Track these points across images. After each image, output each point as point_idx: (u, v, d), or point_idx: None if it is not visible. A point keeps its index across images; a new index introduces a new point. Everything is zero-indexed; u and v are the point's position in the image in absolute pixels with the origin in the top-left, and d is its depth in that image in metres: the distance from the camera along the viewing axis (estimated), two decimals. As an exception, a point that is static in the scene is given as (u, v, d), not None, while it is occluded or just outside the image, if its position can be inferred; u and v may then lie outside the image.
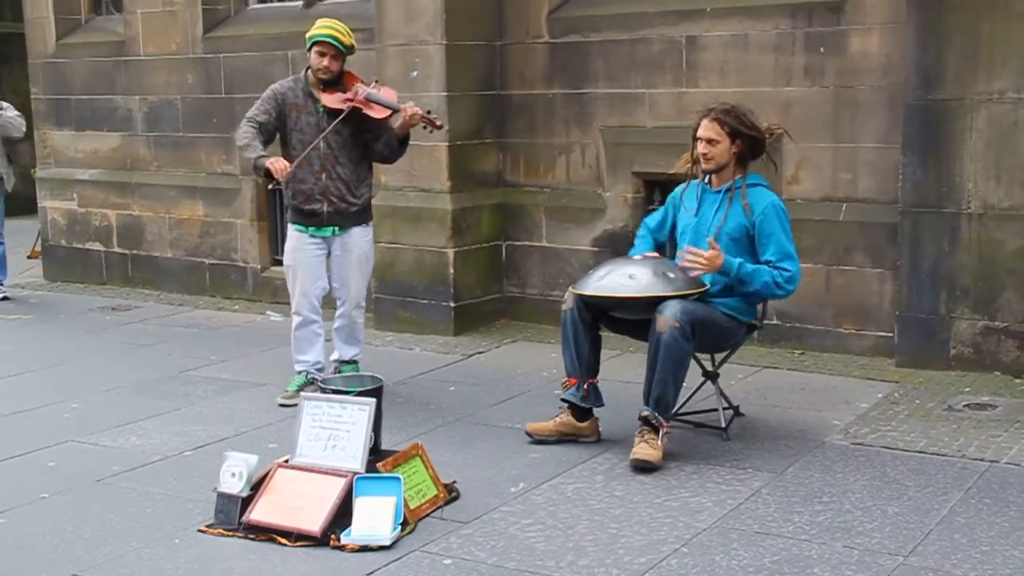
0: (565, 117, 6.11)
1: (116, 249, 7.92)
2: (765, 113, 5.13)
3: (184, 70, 7.43)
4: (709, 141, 4.07)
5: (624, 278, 3.97)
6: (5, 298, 7.47)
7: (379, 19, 6.14)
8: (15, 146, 7.87)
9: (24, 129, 7.41)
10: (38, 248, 8.72)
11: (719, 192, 4.17)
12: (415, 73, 5.99)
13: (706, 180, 4.24)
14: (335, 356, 4.93)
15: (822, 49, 5.34)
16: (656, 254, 4.28)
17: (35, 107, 8.23)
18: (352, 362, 4.92)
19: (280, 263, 6.23)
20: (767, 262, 4.04)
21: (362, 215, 4.84)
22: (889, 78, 5.18)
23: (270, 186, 4.66)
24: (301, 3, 6.94)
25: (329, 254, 4.85)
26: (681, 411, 4.31)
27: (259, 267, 7.24)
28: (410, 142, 4.88)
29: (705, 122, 4.09)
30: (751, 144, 4.12)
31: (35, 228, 8.66)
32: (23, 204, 9.90)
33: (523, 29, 6.14)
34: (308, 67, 4.75)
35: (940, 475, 3.76)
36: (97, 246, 8.02)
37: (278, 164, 4.51)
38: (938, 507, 3.48)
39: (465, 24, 6.01)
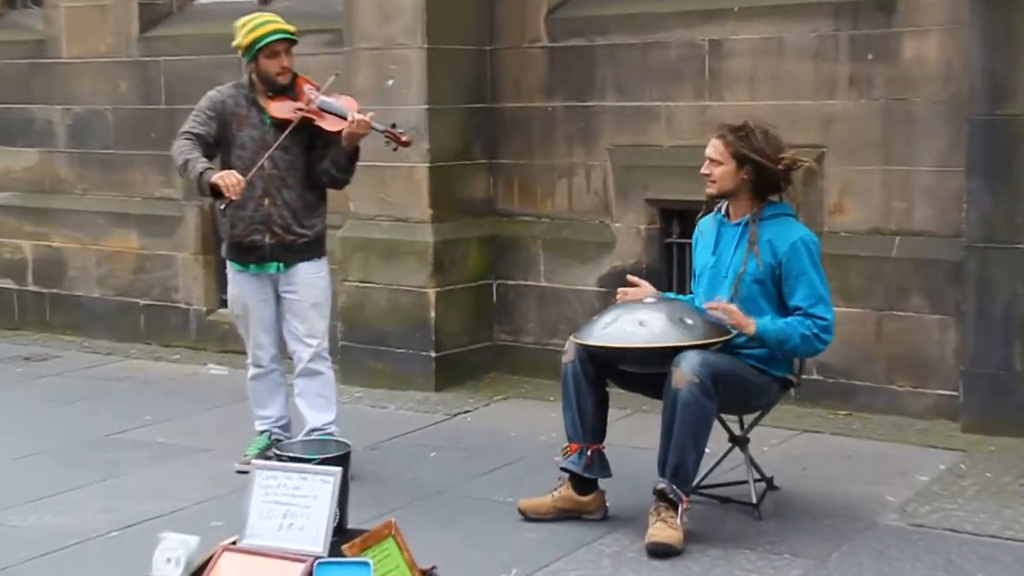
0: (567, 134, 6.19)
1: (31, 287, 7.96)
2: (803, 131, 5.28)
3: (116, 75, 7.51)
4: (711, 160, 4.14)
5: (634, 325, 3.99)
6: None
7: (348, 18, 6.23)
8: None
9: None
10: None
11: (737, 226, 4.21)
12: (391, 82, 6.08)
13: (722, 211, 4.30)
14: (306, 428, 4.84)
15: (870, 55, 5.42)
16: (674, 295, 4.38)
17: (-65, 118, 8.28)
18: (328, 432, 4.77)
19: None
20: (796, 309, 4.08)
21: (312, 249, 4.82)
22: (950, 89, 5.25)
23: (221, 207, 4.63)
24: (256, -2, 7.05)
25: (278, 299, 4.85)
26: (704, 483, 4.32)
27: (204, 309, 7.30)
28: (384, 163, 4.96)
29: (712, 138, 4.18)
30: (759, 173, 4.12)
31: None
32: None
33: (518, 31, 6.23)
34: (250, 72, 4.78)
35: (1017, 565, 3.74)
36: (8, 283, 8.07)
37: (229, 179, 4.48)
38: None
39: (450, 25, 6.10)
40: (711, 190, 4.18)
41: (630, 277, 4.40)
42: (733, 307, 4.03)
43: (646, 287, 4.28)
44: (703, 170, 4.17)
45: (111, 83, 7.54)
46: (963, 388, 5.18)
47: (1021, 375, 5.01)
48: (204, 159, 4.61)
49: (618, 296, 4.29)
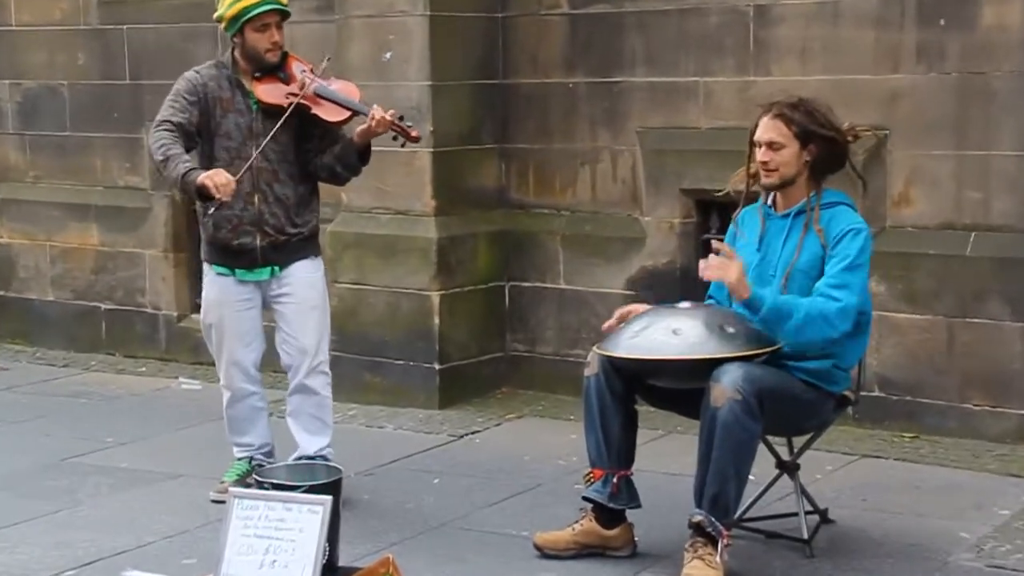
0: (590, 115, 6.20)
1: (-25, 290, 7.99)
2: (862, 110, 5.24)
3: (73, 46, 7.55)
4: (770, 145, 4.13)
5: (666, 334, 3.99)
6: None
7: (339, -20, 6.27)
8: None
9: None
10: None
11: (787, 217, 4.23)
12: (388, 55, 6.10)
13: (768, 202, 4.31)
14: (296, 453, 4.85)
15: (942, 21, 5.40)
16: (713, 301, 4.37)
17: None
18: (321, 458, 4.76)
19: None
20: (819, 287, 4.05)
21: (307, 246, 4.85)
22: (1034, 61, 5.28)
23: (210, 211, 4.57)
24: (234, -43, 7.08)
25: (266, 304, 4.87)
26: (748, 516, 4.31)
27: (175, 315, 7.34)
28: (381, 148, 4.93)
29: (765, 120, 4.16)
30: (828, 150, 4.16)
31: None
32: None
33: (535, -4, 6.26)
34: (233, 48, 4.78)
35: None
36: (-50, 286, 8.08)
37: (218, 178, 4.45)
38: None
39: (456, -12, 6.13)
40: (772, 180, 4.17)
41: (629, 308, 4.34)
42: (733, 252, 4.02)
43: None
44: (761, 157, 4.14)
45: (68, 55, 7.58)
46: None
47: (1115, 391, 5.06)
48: (186, 156, 4.59)
49: (616, 317, 4.24)
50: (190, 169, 4.54)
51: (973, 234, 5.41)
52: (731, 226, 4.47)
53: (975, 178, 5.40)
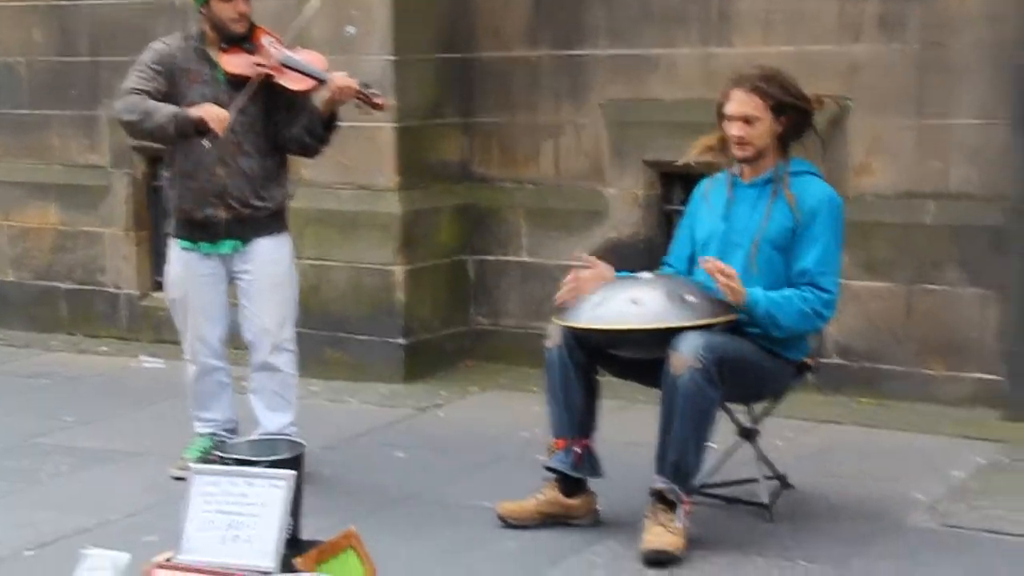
0: (554, 88, 6.21)
1: (-67, 271, 7.94)
2: (825, 80, 5.26)
3: (29, 22, 7.50)
4: (746, 120, 4.12)
5: (626, 304, 4.01)
6: None
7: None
8: None
9: None
10: None
11: (754, 186, 4.24)
12: (351, 30, 6.01)
13: (735, 171, 4.31)
14: (258, 431, 4.82)
15: (903, -8, 5.44)
16: (671, 271, 4.39)
17: None
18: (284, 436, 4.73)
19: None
20: (802, 273, 4.09)
21: (273, 223, 4.84)
22: (995, 31, 5.27)
23: (206, 143, 4.55)
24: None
25: (231, 280, 4.87)
26: (708, 482, 4.34)
27: (136, 293, 7.32)
28: (344, 122, 4.90)
29: (739, 94, 4.14)
30: (799, 120, 4.19)
31: None
32: None
33: (497, -32, 6.25)
34: (200, 19, 4.76)
35: None
36: (-95, 267, 8.04)
37: (213, 111, 4.49)
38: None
39: (419, -39, 6.11)
40: (745, 153, 4.16)
41: (583, 256, 4.39)
42: (731, 269, 4.00)
43: (602, 268, 4.29)
44: (735, 132, 4.12)
45: (23, 31, 7.53)
46: (1007, 372, 5.20)
47: (1075, 356, 5.08)
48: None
49: (569, 281, 4.25)
50: (180, 108, 4.54)
51: (933, 202, 5.45)
52: (693, 195, 4.46)
53: (935, 147, 5.44)
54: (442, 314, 6.32)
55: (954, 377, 5.42)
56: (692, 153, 4.42)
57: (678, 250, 4.41)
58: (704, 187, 4.41)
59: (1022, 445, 4.91)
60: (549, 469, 4.22)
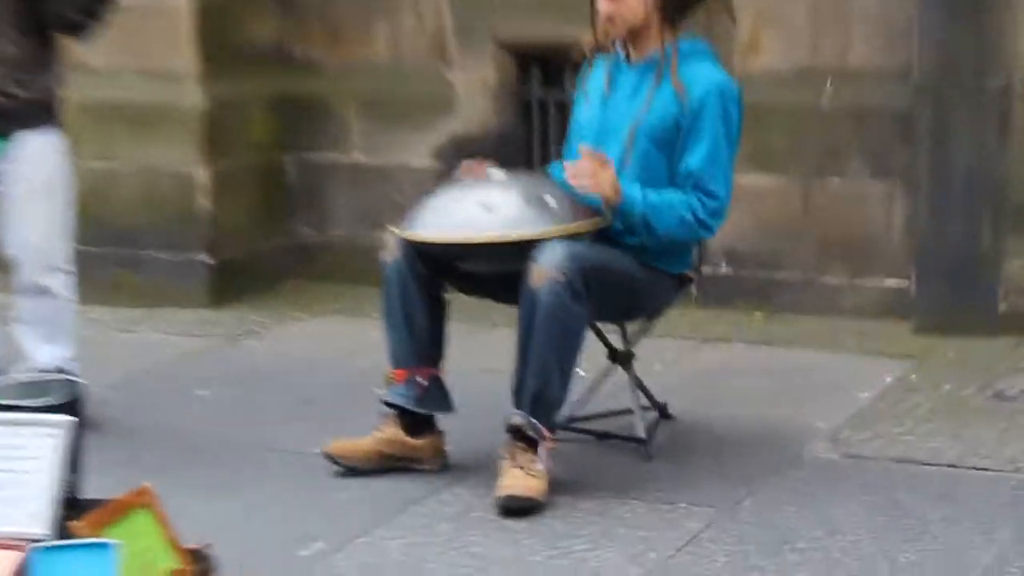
0: (387, -47, 5.94)
1: None
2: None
3: None
4: None
5: (476, 209, 3.86)
6: None
7: None
8: None
9: None
10: None
11: (638, 69, 4.07)
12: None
13: (622, 53, 4.13)
14: (26, 369, 4.53)
15: None
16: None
17: None
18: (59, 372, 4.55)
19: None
20: (687, 174, 3.94)
21: (38, 116, 4.48)
22: None
23: None
24: None
25: None
26: (576, 415, 4.25)
27: None
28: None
29: None
30: None
31: None
32: None
33: None
34: None
35: (981, 502, 3.73)
36: None
37: None
38: (978, 550, 3.42)
39: None
40: (616, 31, 4.03)
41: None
42: (605, 156, 3.85)
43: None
44: (603, 10, 3.98)
45: None
46: (916, 276, 5.20)
47: (989, 255, 5.02)
48: None
49: (462, 171, 4.13)
50: None
51: (829, 78, 5.35)
52: (577, 81, 4.31)
53: (831, 20, 5.31)
54: (257, 225, 6.06)
55: (856, 285, 5.39)
56: (584, 42, 4.25)
57: (570, 151, 4.25)
58: (585, 74, 4.28)
59: (933, 361, 4.92)
60: (388, 404, 4.01)
